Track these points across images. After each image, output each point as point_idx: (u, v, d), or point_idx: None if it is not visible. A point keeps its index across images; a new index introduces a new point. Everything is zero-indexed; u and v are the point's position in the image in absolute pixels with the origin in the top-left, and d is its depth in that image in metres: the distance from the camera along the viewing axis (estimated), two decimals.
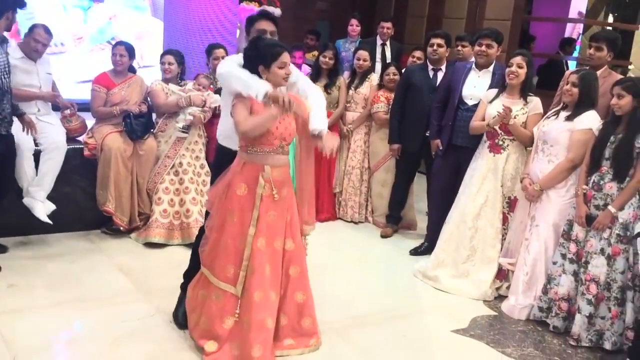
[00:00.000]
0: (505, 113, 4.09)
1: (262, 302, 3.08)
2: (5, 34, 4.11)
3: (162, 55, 5.08)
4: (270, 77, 3.11)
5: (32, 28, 4.56)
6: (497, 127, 4.24)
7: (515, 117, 4.17)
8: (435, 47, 5.05)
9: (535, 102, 4.25)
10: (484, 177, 4.32)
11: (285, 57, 3.10)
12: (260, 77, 3.11)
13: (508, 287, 4.23)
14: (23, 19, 5.50)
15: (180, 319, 3.46)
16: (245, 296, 3.09)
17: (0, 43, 4.00)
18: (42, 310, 3.58)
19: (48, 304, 3.67)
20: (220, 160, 3.47)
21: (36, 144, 4.51)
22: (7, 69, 4.00)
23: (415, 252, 5.02)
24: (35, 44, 4.50)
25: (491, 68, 4.58)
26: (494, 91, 4.36)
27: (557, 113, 4.03)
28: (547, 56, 8.48)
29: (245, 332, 3.06)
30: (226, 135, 3.41)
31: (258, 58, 3.11)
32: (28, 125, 4.24)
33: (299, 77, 3.47)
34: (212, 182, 3.44)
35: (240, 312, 3.11)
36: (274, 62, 3.08)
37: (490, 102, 4.32)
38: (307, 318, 3.32)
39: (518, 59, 4.19)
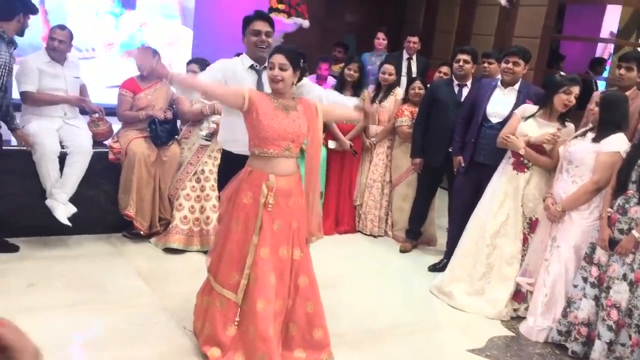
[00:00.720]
0: (554, 139, 4.03)
1: (265, 311, 3.04)
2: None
3: (187, 64, 5.14)
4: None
5: (51, 29, 4.70)
6: None
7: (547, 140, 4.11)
8: (461, 63, 5.02)
9: (570, 129, 4.16)
10: (506, 195, 4.26)
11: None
12: None
13: (526, 309, 4.16)
14: (56, 24, 5.63)
15: None
16: (248, 305, 3.07)
17: (7, 44, 4.09)
18: (60, 310, 3.63)
19: (65, 305, 3.72)
20: (225, 165, 3.49)
21: (62, 147, 4.60)
22: (6, 69, 4.06)
23: (433, 268, 4.97)
24: (52, 42, 4.60)
25: (517, 86, 4.54)
26: (532, 108, 4.26)
27: (584, 134, 3.97)
28: None
29: (250, 341, 3.04)
30: (227, 139, 3.43)
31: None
32: (21, 140, 4.35)
33: (314, 87, 3.49)
34: (219, 188, 3.45)
35: (242, 321, 3.08)
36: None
37: (525, 119, 4.23)
38: (319, 329, 3.27)
39: (577, 90, 4.04)
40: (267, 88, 3.39)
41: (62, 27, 4.70)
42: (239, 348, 3.10)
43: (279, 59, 3.06)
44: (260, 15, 3.51)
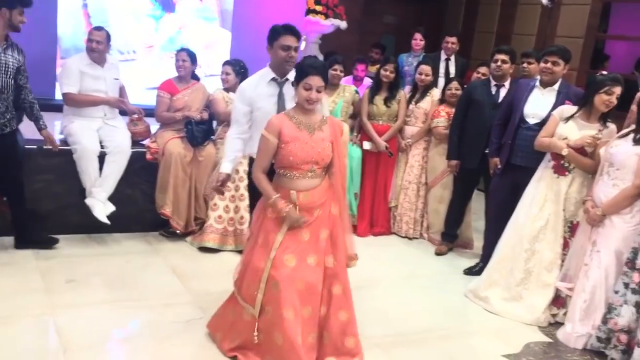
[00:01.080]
0: (594, 142, 3.93)
1: (293, 319, 3.00)
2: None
3: (222, 65, 5.19)
4: (297, 95, 3.13)
5: (89, 31, 4.81)
6: None
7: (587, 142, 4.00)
8: (499, 63, 4.93)
9: (612, 130, 4.03)
10: (546, 199, 4.15)
11: (312, 80, 3.05)
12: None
13: (565, 314, 4.05)
14: None
15: None
16: (275, 313, 3.03)
17: None
18: (96, 307, 3.71)
19: (102, 301, 3.80)
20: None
21: (102, 147, 4.70)
22: (3, 70, 4.11)
23: (469, 271, 4.89)
24: (90, 43, 4.72)
25: (556, 86, 4.42)
26: (571, 109, 4.16)
27: (626, 135, 3.84)
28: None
29: (278, 349, 3.02)
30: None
31: (296, 75, 3.15)
32: (47, 140, 4.42)
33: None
34: (252, 194, 3.53)
35: (268, 329, 3.06)
36: (300, 83, 3.09)
37: (566, 120, 4.12)
38: (351, 337, 3.23)
39: (618, 90, 3.94)
40: (288, 101, 3.46)
41: (99, 28, 4.81)
42: (265, 356, 3.10)
43: (317, 81, 3.07)
44: (290, 30, 3.47)
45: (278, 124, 3.09)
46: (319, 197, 3.16)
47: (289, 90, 3.45)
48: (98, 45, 4.72)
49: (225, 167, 3.61)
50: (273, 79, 3.53)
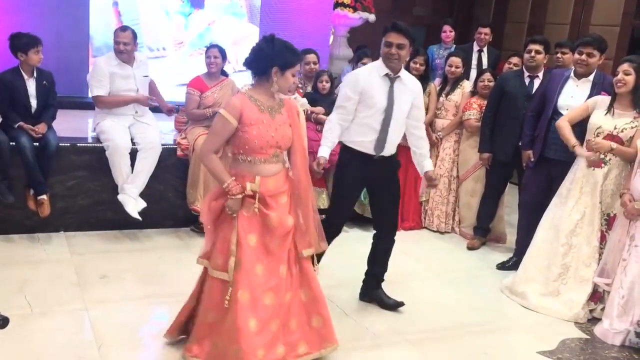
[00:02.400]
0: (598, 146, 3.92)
1: (247, 302, 2.90)
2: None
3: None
4: (280, 82, 2.95)
5: (114, 33, 4.82)
6: (600, 140, 3.97)
7: (622, 131, 3.91)
8: (532, 54, 4.82)
9: None
10: (582, 192, 4.06)
11: (299, 66, 3.01)
12: (267, 76, 2.94)
13: (602, 310, 3.96)
14: (130, 24, 5.82)
15: None
16: (231, 295, 2.91)
17: None
18: (129, 302, 3.75)
19: (135, 297, 3.84)
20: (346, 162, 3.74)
21: (133, 143, 4.75)
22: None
23: (502, 266, 4.82)
24: (117, 45, 4.74)
25: (591, 77, 4.31)
26: (606, 100, 4.04)
27: None
28: None
29: (226, 331, 2.91)
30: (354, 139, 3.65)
31: (274, 58, 2.90)
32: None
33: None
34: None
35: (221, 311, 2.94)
36: (289, 68, 2.94)
37: (606, 112, 3.99)
38: (317, 316, 3.12)
39: (625, 66, 3.90)
40: (397, 98, 3.58)
41: (124, 29, 4.82)
42: (213, 337, 2.97)
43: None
44: (394, 28, 3.52)
45: (240, 105, 2.92)
46: (282, 183, 3.05)
47: (399, 86, 3.60)
48: (126, 47, 4.75)
49: (323, 152, 3.62)
50: (386, 74, 3.60)
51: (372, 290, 3.94)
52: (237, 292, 2.91)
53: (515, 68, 5.32)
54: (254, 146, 2.93)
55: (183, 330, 3.25)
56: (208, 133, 3.02)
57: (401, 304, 3.87)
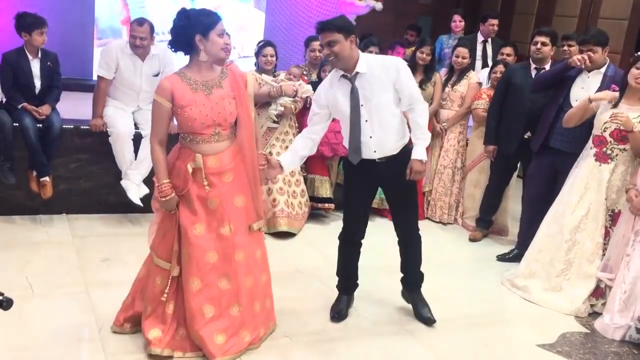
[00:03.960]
0: (625, 118, 3.77)
1: (200, 290, 2.93)
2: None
3: (263, 47, 5.05)
4: (208, 47, 2.82)
5: (130, 25, 4.70)
6: (607, 135, 3.95)
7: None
8: (539, 46, 4.78)
9: None
10: (587, 188, 4.03)
11: (222, 25, 2.83)
12: (195, 49, 2.85)
13: (604, 305, 3.95)
14: (135, 7, 5.79)
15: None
16: (184, 283, 2.96)
17: None
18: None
19: None
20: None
21: (137, 128, 4.73)
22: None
23: (502, 258, 4.81)
24: (134, 40, 4.62)
25: (603, 69, 4.28)
26: (610, 95, 4.00)
27: None
28: None
29: (188, 319, 2.96)
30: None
31: (193, 27, 2.79)
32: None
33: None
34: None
35: (180, 298, 2.99)
36: (212, 30, 2.81)
37: (612, 106, 3.94)
38: (268, 298, 3.22)
39: None
40: (367, 94, 3.25)
41: (141, 22, 4.64)
42: (180, 324, 3.02)
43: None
44: (317, 29, 3.26)
45: (169, 86, 2.85)
46: (229, 161, 2.96)
47: (363, 82, 3.26)
48: (142, 42, 4.61)
49: (282, 157, 3.40)
50: (343, 76, 3.32)
51: (408, 293, 3.76)
52: (187, 280, 2.93)
53: (508, 58, 5.42)
54: (190, 127, 2.87)
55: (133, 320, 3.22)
56: (153, 124, 2.98)
57: (433, 320, 3.63)
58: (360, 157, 3.37)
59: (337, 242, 3.66)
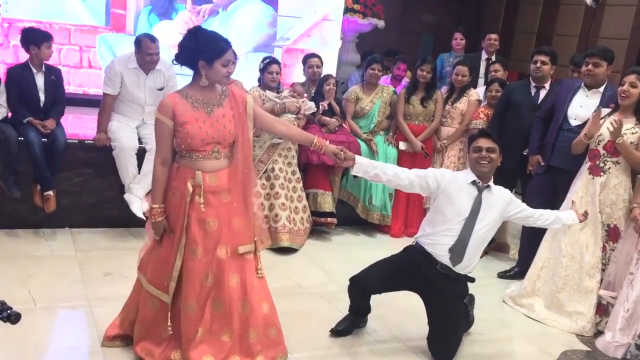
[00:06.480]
0: (618, 126, 3.81)
1: (195, 313, 2.90)
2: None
3: (269, 65, 5.09)
4: (210, 75, 2.84)
5: (138, 43, 4.68)
6: (600, 148, 3.98)
7: (622, 136, 3.88)
8: (538, 64, 4.83)
9: None
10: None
11: (230, 54, 2.84)
12: (197, 72, 2.87)
13: (607, 323, 3.95)
14: None
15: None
16: (181, 306, 2.92)
17: None
18: None
19: None
20: None
21: (141, 143, 4.77)
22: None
23: (503, 275, 4.81)
24: (150, 57, 4.65)
25: (602, 88, 4.31)
26: (606, 110, 4.08)
27: None
28: None
29: (183, 344, 2.92)
30: None
31: (199, 52, 2.80)
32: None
33: None
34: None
35: (176, 320, 2.94)
36: (217, 59, 2.81)
37: (602, 118, 4.02)
38: (272, 328, 3.08)
39: (632, 78, 3.90)
40: (484, 208, 3.37)
41: (153, 39, 4.69)
42: (176, 346, 2.97)
43: (231, 54, 2.89)
44: (483, 133, 3.45)
45: (170, 104, 2.85)
46: (227, 180, 2.93)
47: (486, 197, 3.43)
48: (155, 57, 4.66)
49: (361, 157, 3.45)
50: (473, 182, 3.48)
51: None
52: (185, 304, 2.90)
53: (496, 74, 5.47)
54: (191, 144, 2.86)
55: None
56: (157, 145, 2.97)
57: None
58: (461, 261, 3.37)
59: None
